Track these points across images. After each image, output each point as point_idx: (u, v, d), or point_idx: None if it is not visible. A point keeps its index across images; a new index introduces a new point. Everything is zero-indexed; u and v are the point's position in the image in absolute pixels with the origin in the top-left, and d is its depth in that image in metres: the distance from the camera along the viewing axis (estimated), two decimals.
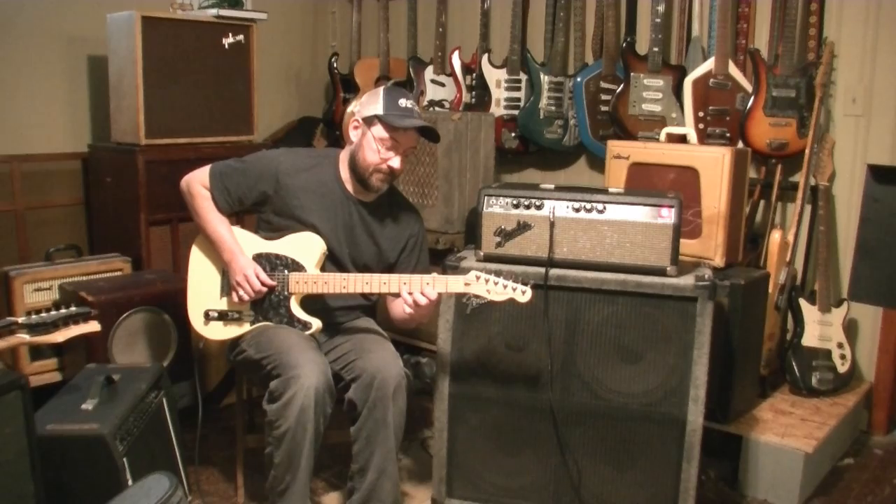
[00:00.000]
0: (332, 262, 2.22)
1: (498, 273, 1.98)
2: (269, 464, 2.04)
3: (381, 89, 2.16)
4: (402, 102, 2.13)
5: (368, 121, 2.14)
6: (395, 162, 2.14)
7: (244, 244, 2.19)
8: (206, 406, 2.84)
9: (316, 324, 2.17)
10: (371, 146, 2.13)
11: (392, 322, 2.28)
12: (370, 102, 2.15)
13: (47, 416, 1.93)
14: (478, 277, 1.97)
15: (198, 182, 2.21)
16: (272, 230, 2.23)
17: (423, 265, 2.33)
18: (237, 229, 2.24)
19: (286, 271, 2.16)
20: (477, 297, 1.98)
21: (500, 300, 1.97)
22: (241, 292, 2.14)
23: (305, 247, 2.18)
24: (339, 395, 2.12)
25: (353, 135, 2.19)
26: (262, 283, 2.13)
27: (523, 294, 1.95)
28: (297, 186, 2.19)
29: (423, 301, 2.00)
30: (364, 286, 2.10)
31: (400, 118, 2.11)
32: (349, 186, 2.22)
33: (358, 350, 2.15)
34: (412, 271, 2.28)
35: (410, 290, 2.02)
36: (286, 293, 2.16)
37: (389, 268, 2.29)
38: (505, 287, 1.95)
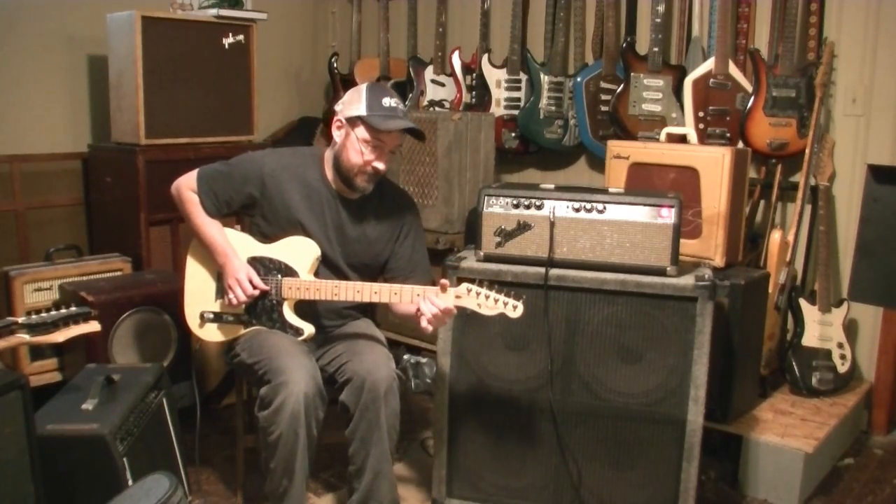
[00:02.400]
0: (326, 264, 2.20)
1: (490, 286, 1.94)
2: (266, 469, 2.04)
3: (363, 87, 2.11)
4: (386, 101, 2.07)
5: (351, 121, 2.09)
6: (380, 164, 2.10)
7: (238, 247, 2.18)
8: (206, 406, 2.85)
9: (308, 330, 2.15)
10: (355, 147, 2.08)
11: (396, 317, 2.27)
12: (353, 101, 2.10)
13: (47, 416, 1.93)
14: (468, 290, 1.94)
15: (186, 187, 2.20)
16: (262, 233, 2.21)
17: (421, 253, 2.30)
18: (232, 231, 2.23)
19: (279, 276, 2.14)
20: (467, 310, 1.96)
21: (490, 315, 1.93)
22: (233, 296, 2.12)
23: (299, 251, 2.16)
24: (333, 398, 2.11)
25: (337, 135, 2.14)
26: (255, 287, 2.12)
27: (514, 310, 1.91)
28: (283, 187, 2.16)
29: (435, 311, 1.95)
30: (355, 295, 2.07)
31: (384, 120, 2.05)
32: (335, 185, 2.19)
33: (349, 352, 2.15)
34: (409, 260, 2.26)
35: (416, 302, 1.98)
36: (279, 298, 2.15)
37: (385, 262, 2.28)
38: (496, 302, 1.92)
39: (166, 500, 1.60)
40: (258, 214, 2.21)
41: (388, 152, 2.12)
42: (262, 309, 2.17)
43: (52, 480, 1.81)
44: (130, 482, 1.88)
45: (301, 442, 1.97)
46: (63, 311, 1.91)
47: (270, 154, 2.25)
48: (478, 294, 1.94)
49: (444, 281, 1.97)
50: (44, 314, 1.88)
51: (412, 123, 2.11)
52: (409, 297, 2.02)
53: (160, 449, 2.18)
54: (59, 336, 1.89)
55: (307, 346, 2.17)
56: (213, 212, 2.19)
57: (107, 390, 2.05)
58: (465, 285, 1.95)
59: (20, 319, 1.84)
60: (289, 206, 2.17)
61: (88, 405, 1.97)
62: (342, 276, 2.22)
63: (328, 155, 2.20)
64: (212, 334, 2.21)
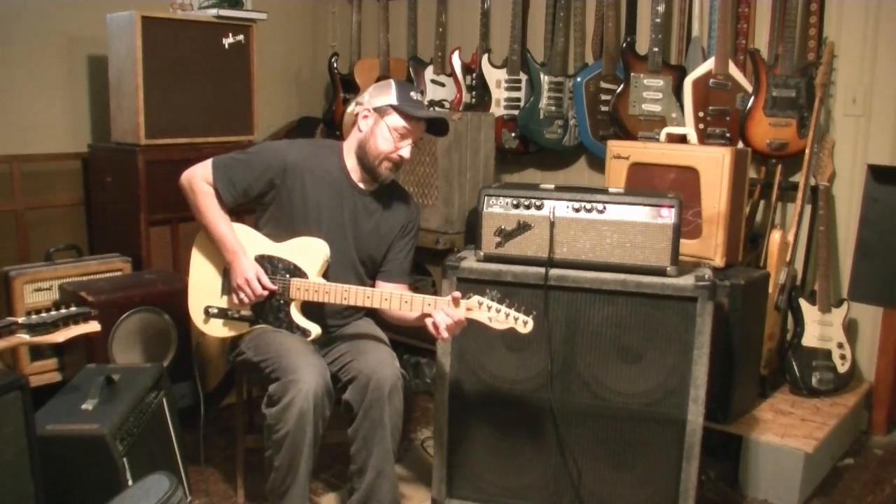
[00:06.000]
0: (338, 256, 2.21)
1: (501, 300, 1.95)
2: (269, 467, 2.04)
3: (391, 81, 2.19)
4: (414, 95, 2.17)
5: (382, 110, 2.15)
6: (406, 151, 2.16)
7: (247, 243, 2.18)
8: (206, 406, 2.84)
9: (315, 331, 2.16)
10: (384, 135, 2.14)
11: (392, 322, 2.28)
12: (381, 92, 2.16)
13: (47, 416, 1.93)
14: (480, 303, 1.96)
15: (200, 177, 2.18)
16: (276, 224, 2.22)
17: (411, 256, 2.34)
18: (240, 226, 2.22)
19: (288, 276, 2.15)
20: (477, 323, 1.97)
21: (500, 328, 1.95)
22: (242, 295, 2.13)
23: (308, 252, 2.16)
24: (337, 396, 2.12)
25: (364, 124, 2.18)
26: (264, 287, 2.13)
27: (525, 325, 1.93)
28: (304, 177, 2.18)
29: (448, 321, 1.97)
30: (365, 300, 2.09)
31: (415, 108, 2.14)
32: (353, 176, 2.23)
33: (354, 351, 2.16)
34: (405, 257, 2.31)
35: (427, 311, 2.00)
36: (286, 298, 2.16)
37: (386, 253, 2.30)
38: (507, 316, 1.94)
39: (166, 500, 1.60)
40: (274, 203, 2.21)
41: (413, 142, 2.18)
42: (269, 308, 2.17)
43: (52, 480, 1.81)
44: (130, 482, 1.88)
45: (308, 440, 1.97)
46: (63, 311, 1.91)
47: (291, 144, 2.29)
48: (489, 308, 1.95)
49: (455, 294, 1.98)
50: (44, 314, 1.88)
51: (440, 114, 2.22)
52: (420, 306, 2.02)
53: (160, 449, 2.18)
54: (59, 336, 1.89)
55: (313, 345, 2.17)
56: (229, 201, 2.19)
57: (107, 390, 2.05)
58: (476, 298, 1.96)
59: (20, 319, 1.84)
60: (308, 196, 2.18)
61: (88, 405, 1.97)
62: (352, 268, 2.24)
63: (348, 146, 2.24)
64: (216, 330, 2.21)
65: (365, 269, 2.27)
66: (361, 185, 2.23)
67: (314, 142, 2.35)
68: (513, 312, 1.93)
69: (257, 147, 2.27)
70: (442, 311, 1.98)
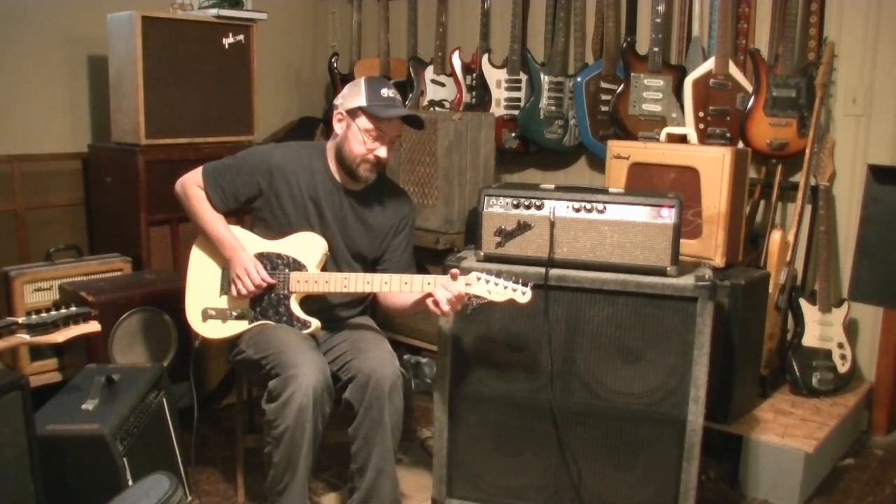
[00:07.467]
0: (330, 255, 2.23)
1: (499, 274, 1.98)
2: (268, 463, 2.04)
3: (362, 80, 2.18)
4: (384, 92, 2.15)
5: (352, 113, 2.15)
6: (382, 152, 2.16)
7: (245, 243, 2.20)
8: (206, 406, 2.85)
9: (315, 323, 2.17)
10: (357, 137, 2.14)
11: (390, 313, 2.28)
12: (352, 94, 2.16)
13: (47, 416, 1.93)
14: (478, 278, 1.98)
15: (192, 183, 2.23)
16: (267, 226, 2.24)
17: (410, 250, 2.35)
18: (238, 229, 2.25)
19: (287, 270, 2.17)
20: (477, 297, 1.99)
21: (500, 300, 1.98)
22: (240, 286, 2.14)
23: (307, 246, 2.19)
24: (337, 396, 2.12)
25: (338, 127, 2.20)
26: (262, 279, 2.14)
27: (523, 295, 1.96)
28: (290, 179, 2.20)
29: (449, 296, 1.97)
30: (366, 286, 2.11)
31: (383, 108, 2.13)
32: (338, 176, 2.24)
33: (354, 350, 2.16)
34: (402, 253, 2.31)
35: (427, 290, 2.01)
36: (286, 292, 2.17)
37: (382, 253, 2.31)
38: (505, 288, 1.97)
39: (166, 500, 1.61)
40: (264, 206, 2.23)
41: (388, 141, 2.17)
42: (268, 303, 2.18)
43: (52, 480, 1.81)
44: (130, 482, 1.88)
45: (307, 436, 1.98)
46: (63, 311, 1.91)
47: (277, 147, 2.30)
48: (487, 281, 1.98)
49: (454, 270, 2.01)
50: (44, 314, 1.88)
51: (410, 111, 2.20)
52: (420, 285, 2.04)
53: (160, 449, 2.18)
54: (59, 336, 1.89)
55: (313, 342, 2.18)
56: (220, 206, 2.23)
57: (107, 390, 2.05)
58: (474, 273, 1.99)
59: (20, 319, 1.84)
60: (295, 197, 2.20)
61: (88, 405, 1.97)
62: (346, 264, 2.25)
63: (331, 145, 2.25)
64: (214, 331, 2.21)
65: (359, 266, 2.28)
66: (348, 185, 2.24)
67: (302, 144, 2.36)
68: (511, 284, 1.96)
69: (245, 151, 2.29)
70: (441, 287, 1.99)
